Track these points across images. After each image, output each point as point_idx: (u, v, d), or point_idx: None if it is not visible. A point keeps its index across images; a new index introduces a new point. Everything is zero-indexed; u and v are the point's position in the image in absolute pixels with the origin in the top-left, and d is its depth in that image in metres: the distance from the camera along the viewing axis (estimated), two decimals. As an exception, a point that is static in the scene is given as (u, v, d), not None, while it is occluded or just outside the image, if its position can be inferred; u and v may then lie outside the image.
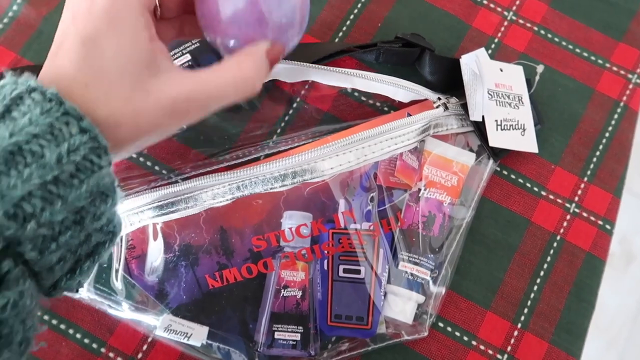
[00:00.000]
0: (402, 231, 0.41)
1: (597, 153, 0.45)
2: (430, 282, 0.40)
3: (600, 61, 0.47)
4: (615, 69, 0.47)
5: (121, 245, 0.38)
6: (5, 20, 0.45)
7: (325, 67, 0.42)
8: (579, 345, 0.41)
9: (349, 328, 0.39)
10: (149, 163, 0.42)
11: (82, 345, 0.39)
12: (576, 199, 0.44)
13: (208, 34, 0.32)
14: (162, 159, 0.43)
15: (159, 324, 0.37)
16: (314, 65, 0.42)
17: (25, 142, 0.23)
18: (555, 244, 0.43)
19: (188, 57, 0.43)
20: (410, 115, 0.41)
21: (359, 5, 0.47)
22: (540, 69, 0.46)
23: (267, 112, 0.44)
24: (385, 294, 0.40)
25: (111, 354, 0.39)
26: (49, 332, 0.39)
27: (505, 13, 0.48)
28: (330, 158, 0.37)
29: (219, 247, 0.39)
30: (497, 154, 0.42)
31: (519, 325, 0.41)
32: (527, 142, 0.43)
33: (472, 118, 0.41)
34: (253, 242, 0.39)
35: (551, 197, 0.44)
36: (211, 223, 0.39)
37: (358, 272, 0.40)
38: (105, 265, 0.38)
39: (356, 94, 0.45)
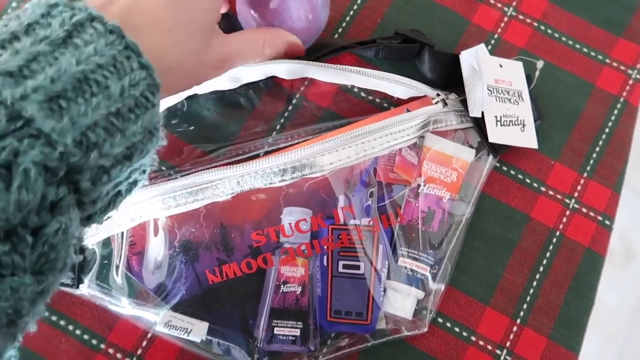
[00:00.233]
0: (401, 227, 0.41)
1: (597, 149, 0.45)
2: (430, 278, 0.40)
3: (600, 57, 0.47)
4: (615, 64, 0.47)
5: (122, 242, 0.38)
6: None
7: (325, 64, 0.42)
8: (578, 340, 0.41)
9: (349, 324, 0.39)
10: (148, 159, 0.42)
11: (82, 342, 0.39)
12: (576, 194, 0.44)
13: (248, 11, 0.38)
14: (161, 155, 0.43)
15: (159, 320, 0.37)
16: (313, 61, 0.42)
17: (90, 72, 0.23)
18: (554, 240, 0.43)
19: None
20: (410, 111, 0.41)
21: (359, 2, 0.47)
22: (540, 64, 0.46)
23: (267, 109, 0.44)
24: (384, 290, 0.40)
25: (111, 350, 0.39)
26: (48, 329, 0.39)
27: (505, 9, 0.48)
28: (330, 153, 0.37)
29: (219, 243, 0.39)
30: (497, 149, 0.42)
31: (518, 321, 0.41)
32: (526, 138, 0.43)
33: (471, 114, 0.41)
34: (253, 237, 0.39)
35: (551, 192, 0.44)
36: (211, 219, 0.39)
37: (357, 267, 0.40)
38: (105, 262, 0.39)
39: (356, 90, 0.45)
